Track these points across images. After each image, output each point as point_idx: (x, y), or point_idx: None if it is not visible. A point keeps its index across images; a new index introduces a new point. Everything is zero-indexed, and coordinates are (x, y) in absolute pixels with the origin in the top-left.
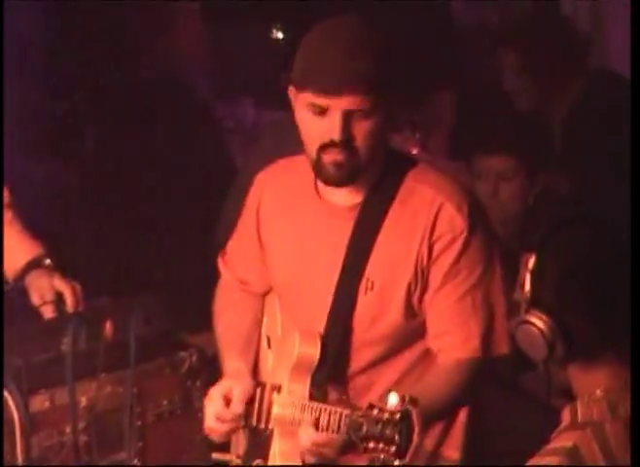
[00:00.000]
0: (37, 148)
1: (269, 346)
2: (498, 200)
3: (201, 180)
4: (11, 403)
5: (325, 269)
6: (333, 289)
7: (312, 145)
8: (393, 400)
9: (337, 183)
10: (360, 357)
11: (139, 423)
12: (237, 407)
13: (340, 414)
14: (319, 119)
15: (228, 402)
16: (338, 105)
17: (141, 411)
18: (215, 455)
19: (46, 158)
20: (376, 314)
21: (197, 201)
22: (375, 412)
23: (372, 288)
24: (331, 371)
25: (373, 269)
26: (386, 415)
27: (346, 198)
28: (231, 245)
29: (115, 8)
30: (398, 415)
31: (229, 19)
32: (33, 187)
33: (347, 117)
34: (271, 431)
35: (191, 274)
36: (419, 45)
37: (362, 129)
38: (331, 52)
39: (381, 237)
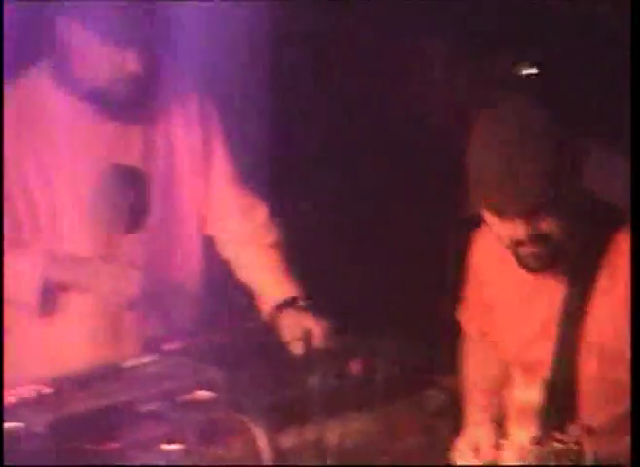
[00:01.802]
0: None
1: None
2: None
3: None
4: (261, 440)
5: None
6: None
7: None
8: None
9: (538, 271)
10: None
11: (386, 461)
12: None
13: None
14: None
15: (476, 450)
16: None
17: (388, 449)
18: None
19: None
20: None
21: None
22: None
23: None
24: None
25: None
26: None
27: None
28: (466, 299)
29: None
30: None
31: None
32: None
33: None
34: None
35: (442, 313)
36: None
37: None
38: None
39: None
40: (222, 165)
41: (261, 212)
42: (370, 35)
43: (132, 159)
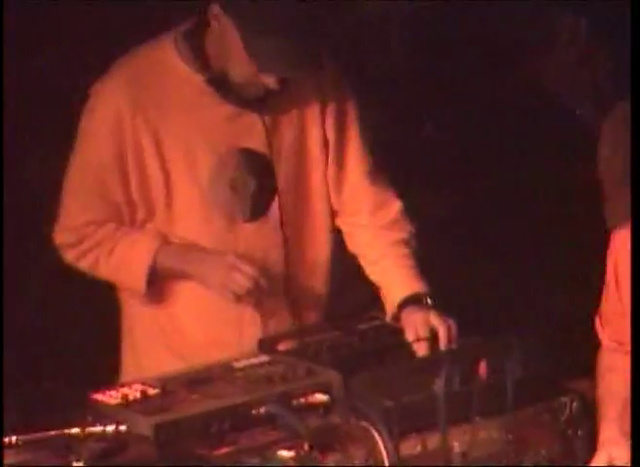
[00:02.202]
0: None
1: None
2: None
3: (587, 214)
4: (381, 445)
5: None
6: None
7: None
8: None
9: None
10: None
11: None
12: None
13: None
14: None
15: None
16: None
17: (517, 459)
18: None
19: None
20: None
21: (583, 231)
22: None
23: None
24: None
25: None
26: None
27: None
28: (603, 305)
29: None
30: None
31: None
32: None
33: None
34: None
35: (572, 315)
36: None
37: None
38: None
39: None
40: (357, 158)
41: (394, 208)
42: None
43: (256, 144)
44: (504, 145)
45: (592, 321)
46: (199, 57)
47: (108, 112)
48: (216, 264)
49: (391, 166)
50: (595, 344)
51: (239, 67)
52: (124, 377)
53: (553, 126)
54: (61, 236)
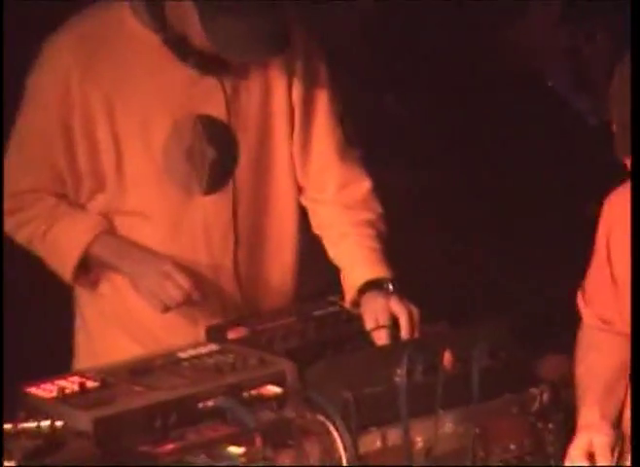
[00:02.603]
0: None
1: None
2: None
3: (566, 184)
4: (338, 442)
5: None
6: None
7: None
8: None
9: None
10: None
11: None
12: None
13: None
14: None
15: (590, 457)
16: None
17: (485, 455)
18: None
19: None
20: None
21: (562, 212)
22: None
23: None
24: None
25: None
26: None
27: None
28: (588, 280)
29: None
30: None
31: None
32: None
33: None
34: None
35: (547, 299)
36: None
37: None
38: None
39: None
40: (325, 131)
41: (362, 186)
42: None
43: (216, 111)
44: (481, 116)
45: (566, 306)
46: (157, 17)
47: (56, 71)
48: (151, 268)
49: (363, 142)
50: (571, 331)
51: (198, 38)
52: (78, 365)
53: (530, 95)
54: (5, 202)
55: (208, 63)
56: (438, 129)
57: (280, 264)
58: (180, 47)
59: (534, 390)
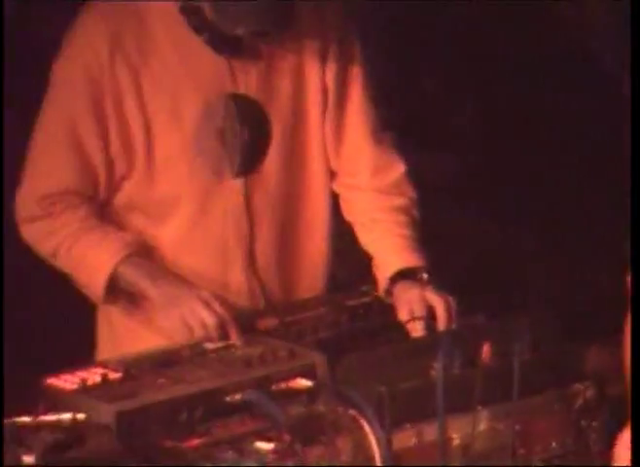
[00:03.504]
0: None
1: None
2: None
3: (609, 170)
4: (371, 437)
5: None
6: None
7: None
8: None
9: None
10: None
11: None
12: None
13: None
14: None
15: None
16: None
17: (525, 453)
18: None
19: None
20: None
21: (605, 198)
22: None
23: None
24: None
25: None
26: None
27: None
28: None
29: None
30: None
31: None
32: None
33: None
34: None
35: (591, 291)
36: None
37: None
38: None
39: None
40: (359, 114)
41: (396, 171)
42: None
43: (249, 90)
44: (521, 103)
45: (613, 300)
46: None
47: (84, 52)
48: (186, 293)
49: (397, 127)
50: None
51: (208, 9)
52: (101, 355)
53: (572, 82)
54: (22, 209)
55: (221, 41)
56: (482, 115)
57: (312, 252)
58: (194, 17)
59: (578, 386)
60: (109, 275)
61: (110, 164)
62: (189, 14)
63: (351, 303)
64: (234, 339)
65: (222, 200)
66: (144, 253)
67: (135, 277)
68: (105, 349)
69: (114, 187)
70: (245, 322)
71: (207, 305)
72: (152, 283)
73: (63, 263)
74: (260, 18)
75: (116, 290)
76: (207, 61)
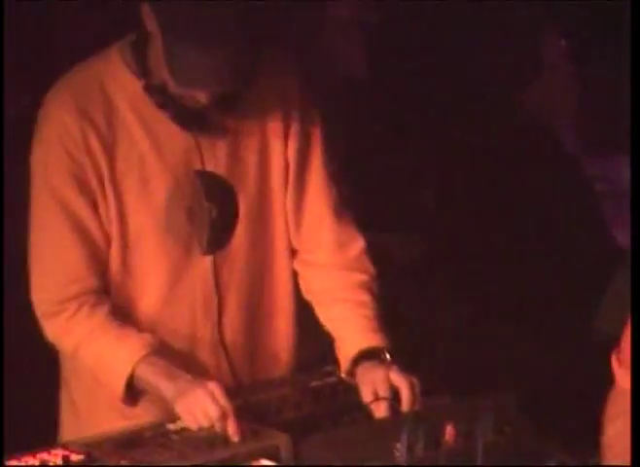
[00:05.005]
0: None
1: None
2: None
3: (573, 251)
4: None
5: None
6: None
7: None
8: None
9: None
10: None
11: None
12: None
13: None
14: None
15: None
16: None
17: None
18: None
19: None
20: None
21: (567, 279)
22: None
23: None
24: None
25: None
26: None
27: None
28: (625, 340)
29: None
30: None
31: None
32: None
33: None
34: None
35: (556, 372)
36: None
37: None
38: None
39: None
40: (320, 188)
41: (356, 246)
42: None
43: (218, 168)
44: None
45: (579, 377)
46: (141, 63)
47: (59, 137)
48: (195, 386)
49: (354, 196)
50: (586, 407)
51: (167, 77)
52: (64, 437)
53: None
54: (37, 307)
55: (186, 117)
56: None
57: (279, 329)
58: (158, 95)
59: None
60: (128, 377)
61: (107, 240)
62: (152, 91)
63: (315, 383)
64: (232, 433)
65: (190, 277)
66: (160, 351)
67: (151, 377)
68: (68, 429)
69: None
70: None
71: (212, 396)
72: (167, 383)
73: (85, 362)
74: (218, 78)
75: (135, 389)
76: (174, 138)
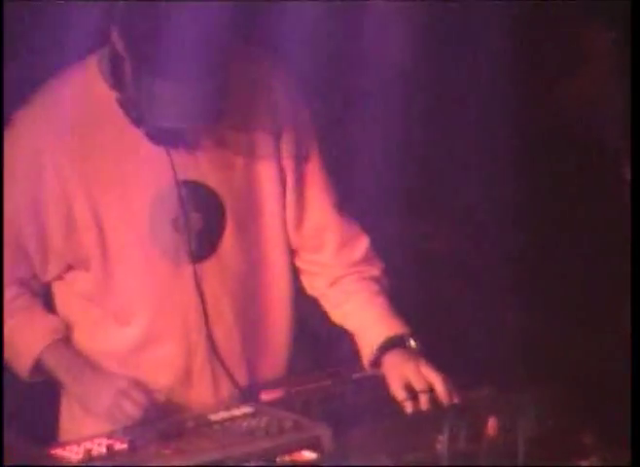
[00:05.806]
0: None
1: None
2: None
3: (609, 248)
4: None
5: None
6: None
7: None
8: None
9: None
10: None
11: None
12: None
13: None
14: None
15: None
16: None
17: None
18: None
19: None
20: None
21: (603, 275)
22: None
23: None
24: None
25: None
26: None
27: None
28: None
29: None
30: None
31: None
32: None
33: None
34: None
35: (595, 365)
36: None
37: None
38: None
39: None
40: (320, 189)
41: (361, 244)
42: None
43: (201, 177)
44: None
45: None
46: (117, 77)
47: (26, 149)
48: (105, 388)
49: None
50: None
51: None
52: (63, 435)
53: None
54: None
55: (161, 134)
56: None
57: (275, 333)
58: (133, 109)
59: (584, 463)
60: (34, 361)
61: (46, 259)
62: (126, 106)
63: (357, 375)
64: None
65: (180, 288)
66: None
67: (55, 371)
68: (67, 429)
69: (57, 275)
70: (251, 393)
71: (126, 394)
72: (70, 382)
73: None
74: (180, 115)
75: (42, 370)
76: (154, 149)
